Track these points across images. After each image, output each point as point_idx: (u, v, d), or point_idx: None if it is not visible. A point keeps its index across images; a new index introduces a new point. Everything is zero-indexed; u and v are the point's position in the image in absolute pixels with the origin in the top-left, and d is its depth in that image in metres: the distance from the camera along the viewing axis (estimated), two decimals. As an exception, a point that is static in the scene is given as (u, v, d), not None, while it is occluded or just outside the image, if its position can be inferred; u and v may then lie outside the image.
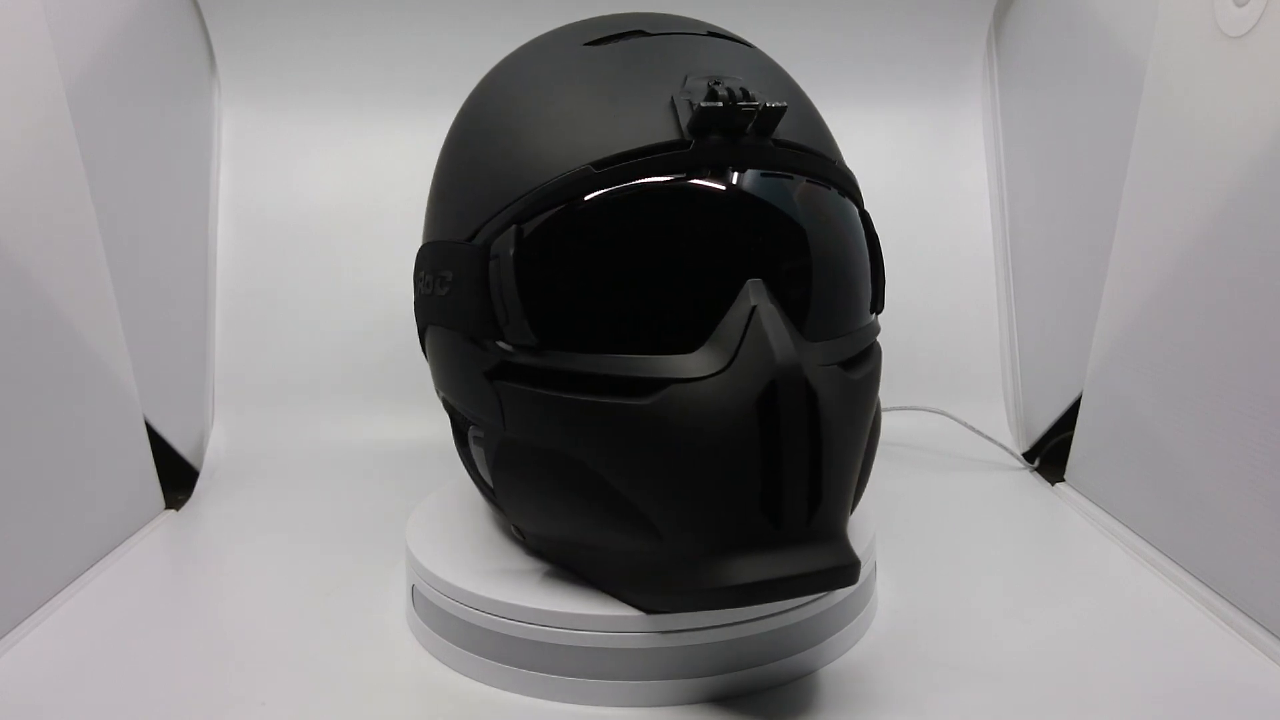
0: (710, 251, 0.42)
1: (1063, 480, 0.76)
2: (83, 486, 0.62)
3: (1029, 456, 0.83)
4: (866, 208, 0.49)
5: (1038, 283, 0.87)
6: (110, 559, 0.63)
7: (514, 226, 0.42)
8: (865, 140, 0.93)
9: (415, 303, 0.51)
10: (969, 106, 0.96)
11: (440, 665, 0.48)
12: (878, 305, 0.49)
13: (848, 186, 0.47)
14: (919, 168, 0.96)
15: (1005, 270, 0.93)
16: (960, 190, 0.95)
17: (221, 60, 0.92)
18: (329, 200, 0.92)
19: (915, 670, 0.47)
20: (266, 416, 0.87)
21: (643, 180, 0.41)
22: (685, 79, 0.43)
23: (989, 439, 0.82)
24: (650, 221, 0.42)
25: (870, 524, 0.54)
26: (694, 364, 0.40)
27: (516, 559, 0.50)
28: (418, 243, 0.52)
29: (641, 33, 0.46)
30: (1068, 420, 0.78)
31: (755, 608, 0.44)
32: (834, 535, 0.41)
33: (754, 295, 0.41)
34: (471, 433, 0.49)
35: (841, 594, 0.48)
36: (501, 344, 0.44)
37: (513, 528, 0.50)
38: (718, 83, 0.42)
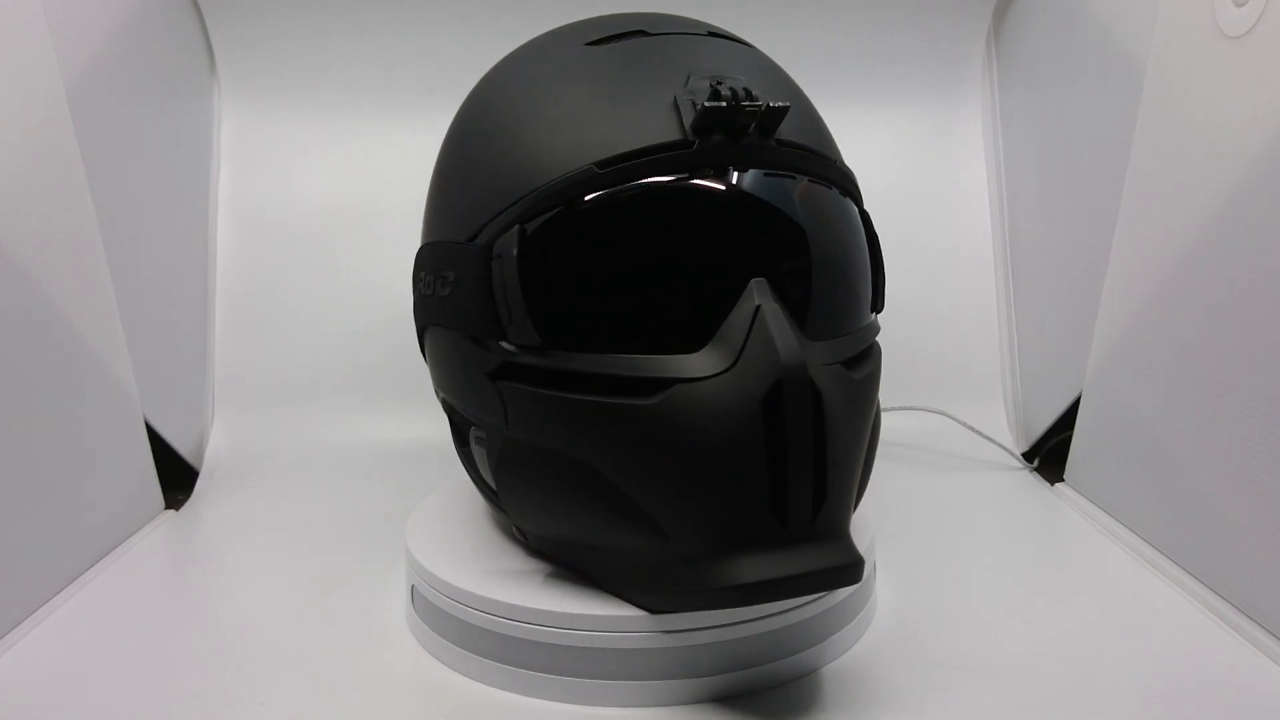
0: (714, 251, 0.42)
1: (1062, 480, 0.76)
2: (83, 486, 0.62)
3: (1029, 456, 0.83)
4: (866, 207, 0.49)
5: (1038, 283, 0.87)
6: (110, 559, 0.63)
7: (517, 226, 0.42)
8: (865, 140, 0.93)
9: (415, 303, 0.51)
10: (969, 106, 0.96)
11: (440, 665, 0.48)
12: (878, 305, 0.49)
13: (848, 186, 0.47)
14: (919, 168, 0.96)
15: (1005, 270, 0.93)
16: (960, 190, 0.95)
17: (221, 60, 0.92)
18: (329, 200, 0.92)
19: (915, 670, 0.47)
20: (266, 416, 0.87)
21: (647, 180, 0.41)
22: (688, 79, 0.43)
23: (989, 439, 0.82)
24: (654, 221, 0.42)
25: (870, 524, 0.54)
26: (699, 364, 0.40)
27: (517, 559, 0.50)
28: (417, 243, 0.52)
29: (642, 33, 0.46)
30: (1067, 420, 0.78)
31: (757, 607, 0.44)
32: (838, 534, 0.41)
33: (758, 295, 0.41)
34: (473, 433, 0.49)
35: (842, 594, 0.48)
36: (504, 344, 0.43)
37: (514, 528, 0.50)
38: (720, 83, 0.42)
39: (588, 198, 0.41)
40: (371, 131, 0.93)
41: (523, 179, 0.43)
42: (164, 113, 0.83)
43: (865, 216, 0.48)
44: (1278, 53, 0.52)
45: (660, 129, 0.42)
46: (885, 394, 0.50)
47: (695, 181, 0.42)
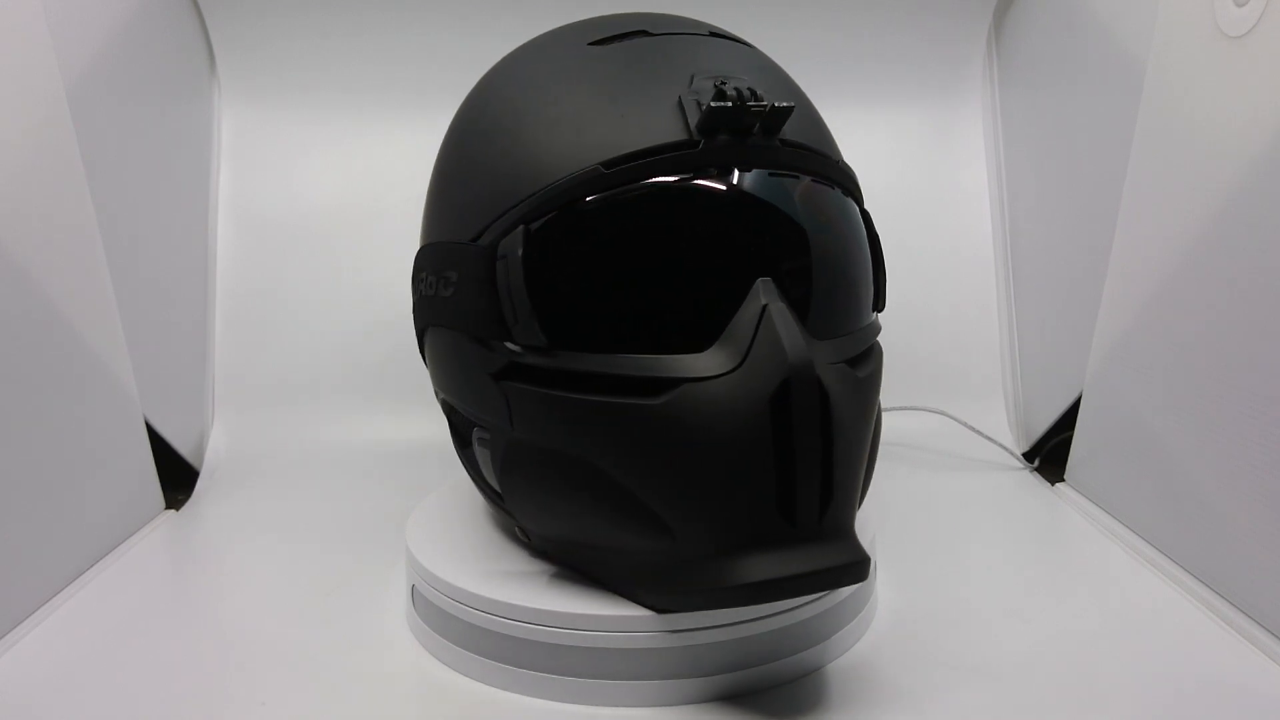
0: (720, 251, 0.42)
1: (1063, 480, 0.76)
2: (83, 486, 0.62)
3: (1029, 456, 0.83)
4: (866, 207, 0.49)
5: (1038, 283, 0.87)
6: (110, 559, 0.63)
7: (522, 226, 0.42)
8: (865, 140, 0.93)
9: (415, 304, 0.51)
10: (969, 106, 0.96)
11: (440, 665, 0.48)
12: (879, 304, 0.49)
13: (850, 186, 0.48)
14: (919, 168, 0.96)
15: (1005, 270, 0.93)
16: (960, 190, 0.95)
17: (221, 60, 0.92)
18: (329, 200, 0.92)
19: (915, 670, 0.47)
20: (266, 416, 0.87)
21: (653, 180, 0.41)
22: (691, 79, 0.43)
23: (989, 439, 0.82)
24: (661, 221, 0.42)
25: (870, 524, 0.54)
26: (705, 363, 0.40)
27: (518, 559, 0.50)
28: (417, 243, 0.52)
29: (644, 33, 0.47)
30: (1068, 420, 0.78)
31: (760, 607, 0.44)
32: (844, 533, 0.42)
33: (764, 294, 0.41)
34: (476, 434, 0.49)
35: (843, 593, 0.48)
36: (509, 344, 0.43)
37: (517, 529, 0.50)
38: (724, 83, 0.42)
39: (594, 198, 0.41)
40: (371, 131, 0.93)
41: (527, 179, 0.43)
42: (164, 113, 0.83)
43: (866, 216, 0.48)
44: (1278, 53, 0.52)
45: (665, 129, 0.42)
46: (885, 394, 0.50)
47: (702, 181, 0.42)
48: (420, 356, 0.54)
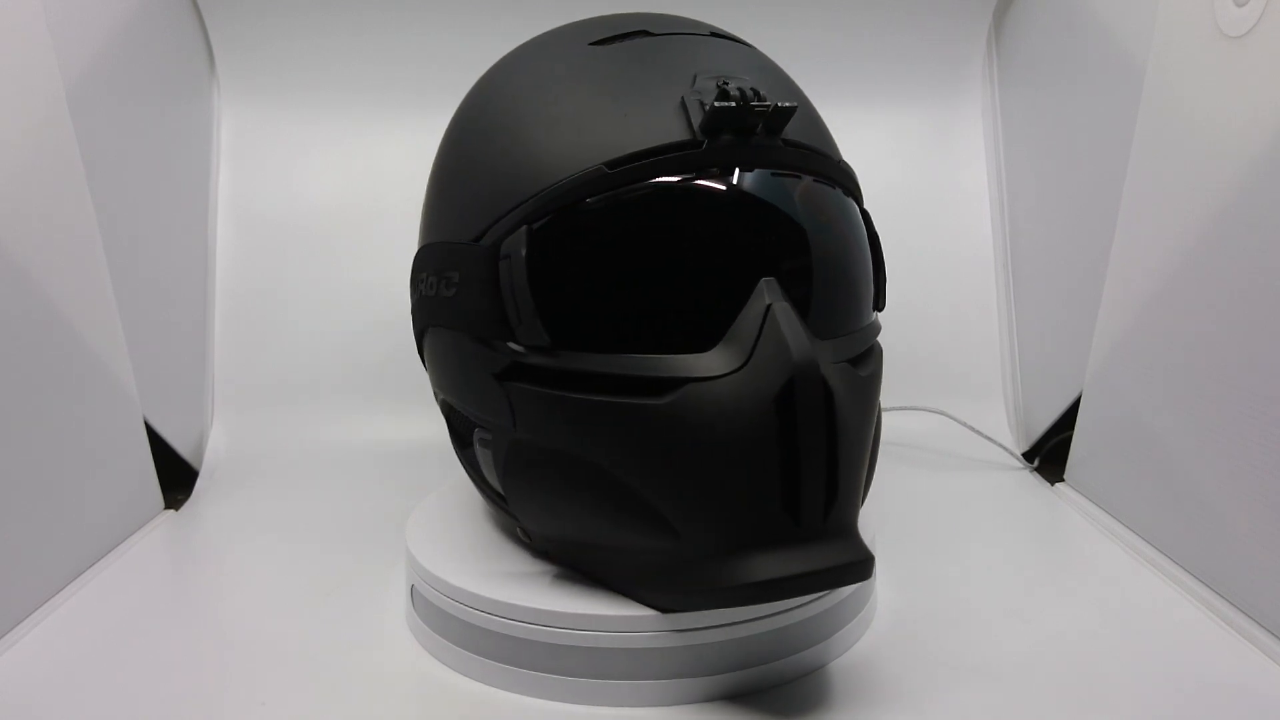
0: (725, 250, 0.42)
1: (1062, 480, 0.76)
2: (83, 486, 0.62)
3: (1029, 456, 0.83)
4: (866, 207, 0.49)
5: (1038, 283, 0.87)
6: (110, 559, 0.63)
7: (525, 226, 0.42)
8: (865, 140, 0.93)
9: (414, 304, 0.51)
10: (969, 106, 0.96)
11: (440, 665, 0.48)
12: (879, 303, 0.49)
13: (850, 185, 0.48)
14: (919, 168, 0.96)
15: (1005, 270, 0.93)
16: (960, 190, 0.95)
17: (221, 60, 0.92)
18: (329, 200, 0.92)
19: (915, 670, 0.47)
20: (266, 416, 0.87)
21: (657, 180, 0.41)
22: (694, 79, 0.43)
23: (989, 439, 0.82)
24: (665, 221, 0.42)
25: (870, 524, 0.54)
26: (710, 363, 0.40)
27: (518, 559, 0.50)
28: (417, 243, 0.52)
29: (645, 33, 0.47)
30: (1067, 420, 0.78)
31: (762, 606, 0.44)
32: (848, 531, 0.42)
33: (768, 294, 0.41)
34: (477, 435, 0.49)
35: (843, 592, 0.48)
36: (512, 345, 0.43)
37: (518, 529, 0.50)
38: (727, 83, 0.42)
39: (597, 198, 0.41)
40: (371, 131, 0.93)
41: (530, 179, 0.43)
42: (164, 113, 0.83)
43: (866, 215, 0.48)
44: (1278, 53, 0.52)
45: (668, 129, 0.42)
46: (885, 394, 0.50)
47: (706, 181, 0.42)
48: (419, 357, 0.54)
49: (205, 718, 0.44)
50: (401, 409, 0.86)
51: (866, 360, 0.46)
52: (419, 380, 0.56)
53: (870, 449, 0.46)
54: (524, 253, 0.42)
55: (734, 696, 0.45)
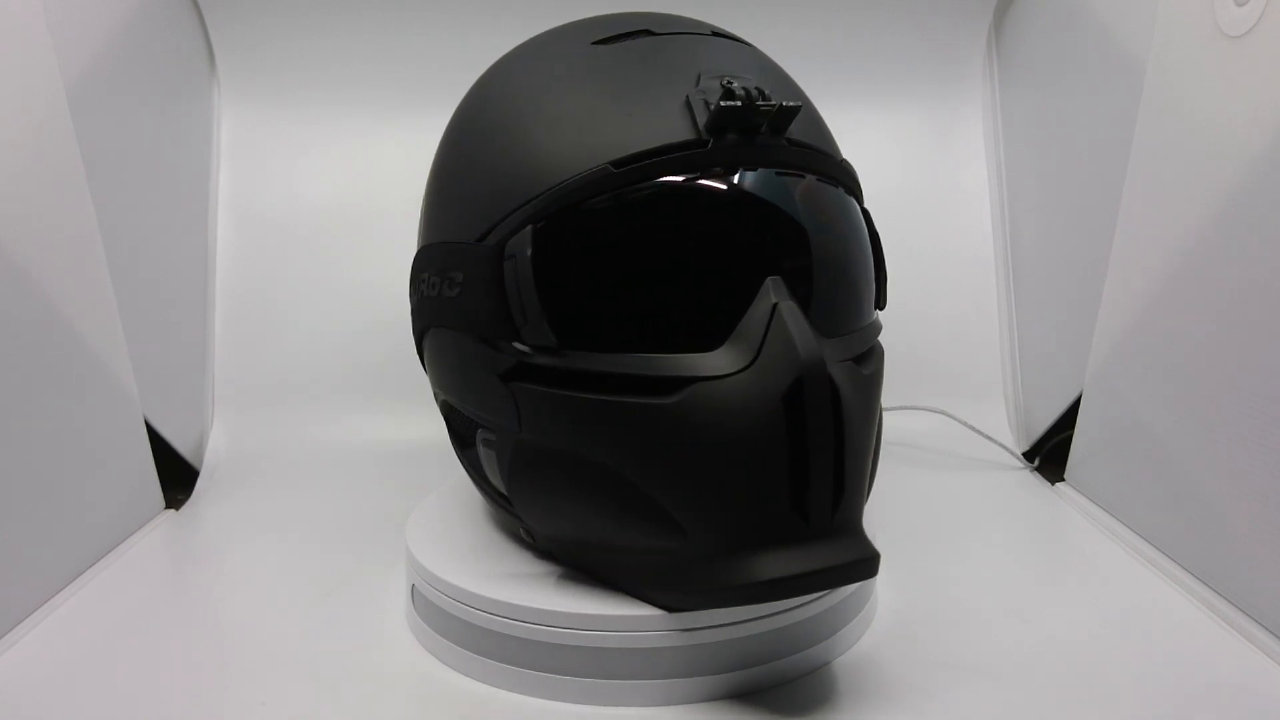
0: (731, 249, 0.42)
1: (1063, 480, 0.76)
2: (83, 486, 0.62)
3: (1029, 456, 0.83)
4: (866, 206, 0.49)
5: (1038, 283, 0.87)
6: (110, 559, 0.63)
7: (531, 226, 0.42)
8: (865, 140, 0.93)
9: (415, 305, 0.51)
10: (969, 106, 0.96)
11: (440, 665, 0.48)
12: (880, 302, 0.49)
13: (852, 185, 0.48)
14: (919, 168, 0.96)
15: (1005, 270, 0.93)
16: (960, 190, 0.95)
17: (221, 60, 0.92)
18: (329, 200, 0.92)
19: (915, 670, 0.47)
20: (266, 416, 0.87)
21: (662, 179, 0.41)
22: (698, 78, 0.43)
23: (989, 439, 0.82)
24: (671, 220, 0.42)
25: (871, 523, 0.54)
26: (717, 362, 0.40)
27: (519, 559, 0.50)
28: (417, 243, 0.52)
29: (648, 32, 0.47)
30: (1068, 420, 0.78)
31: (766, 605, 0.44)
32: (855, 529, 0.42)
33: (774, 293, 0.41)
34: (481, 436, 0.48)
35: (845, 590, 0.48)
36: (518, 345, 0.43)
37: (521, 530, 0.50)
38: (731, 82, 0.42)
39: (603, 197, 0.41)
40: (371, 131, 0.93)
41: (535, 179, 0.43)
42: (164, 113, 0.83)
43: (866, 215, 0.49)
44: (1278, 53, 0.52)
45: (674, 128, 0.42)
46: (886, 394, 0.50)
47: (712, 181, 0.42)
48: (419, 358, 0.54)
49: (205, 718, 0.44)
50: (401, 409, 0.86)
51: (869, 359, 0.46)
52: (419, 380, 0.56)
53: (873, 447, 0.46)
54: (529, 253, 0.41)
55: (736, 696, 0.45)
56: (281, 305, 0.91)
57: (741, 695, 0.45)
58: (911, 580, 0.57)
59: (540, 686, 0.45)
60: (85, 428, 0.63)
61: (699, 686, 0.44)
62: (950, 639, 0.50)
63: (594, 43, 0.46)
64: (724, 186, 0.42)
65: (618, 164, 0.41)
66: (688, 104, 0.42)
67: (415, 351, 0.54)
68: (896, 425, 0.85)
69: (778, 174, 0.43)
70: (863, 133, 0.93)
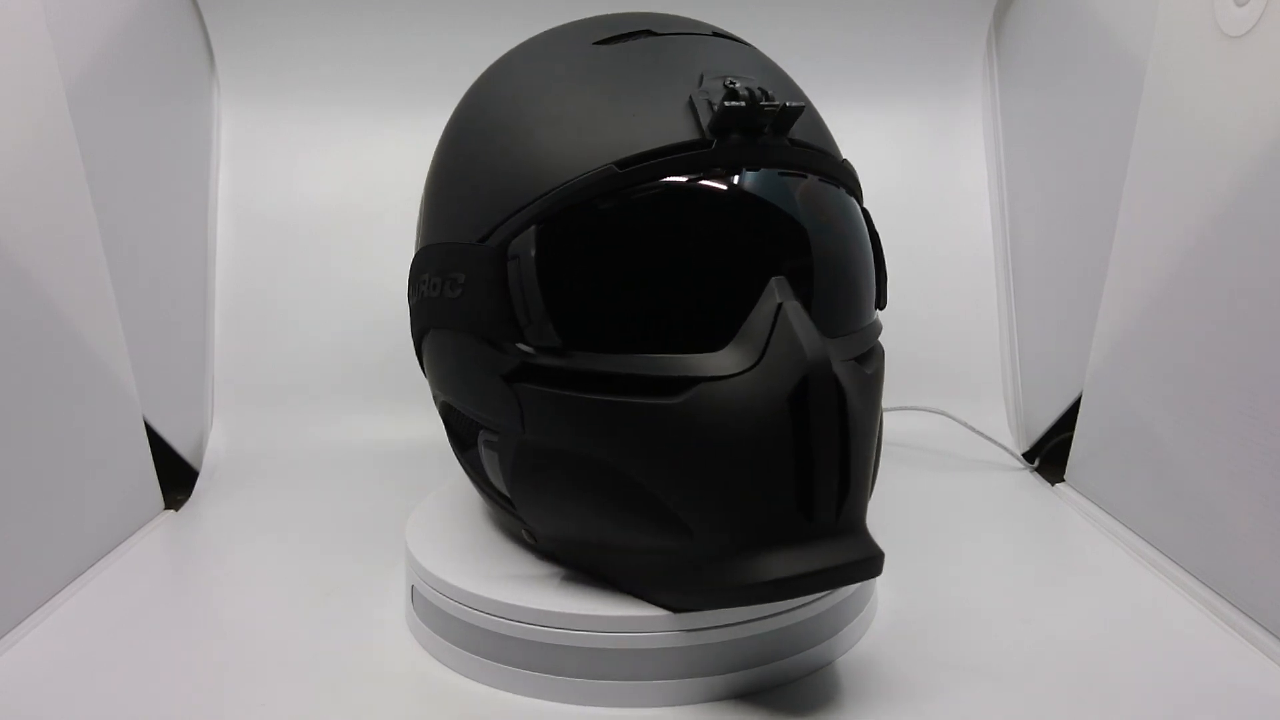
0: (735, 249, 0.43)
1: (1063, 480, 0.76)
2: (82, 486, 0.62)
3: (1029, 457, 0.83)
4: (866, 206, 0.49)
5: (1038, 283, 0.87)
6: (110, 559, 0.63)
7: (534, 226, 0.42)
8: (865, 140, 0.93)
9: (415, 306, 0.50)
10: (969, 106, 0.96)
11: (440, 666, 0.48)
12: (881, 302, 0.49)
13: (853, 185, 0.48)
14: (919, 168, 0.96)
15: (1005, 270, 0.93)
16: (960, 190, 0.95)
17: (221, 60, 0.92)
18: (328, 200, 0.92)
19: (915, 670, 0.47)
20: (266, 416, 0.87)
21: (668, 179, 0.41)
22: (701, 79, 0.43)
23: (989, 439, 0.82)
24: (676, 220, 0.42)
25: (871, 523, 0.54)
26: (722, 362, 0.41)
27: (520, 560, 0.50)
28: (416, 243, 0.52)
29: (649, 32, 0.47)
30: (1068, 420, 0.78)
31: (769, 605, 0.44)
32: (859, 529, 0.42)
33: (779, 293, 0.41)
34: (483, 437, 0.48)
35: (845, 591, 0.48)
36: (522, 346, 0.43)
37: (523, 531, 0.50)
38: (734, 83, 0.42)
39: (608, 197, 0.41)
40: (371, 131, 0.93)
41: (538, 179, 0.42)
42: (164, 113, 0.83)
43: (866, 214, 0.49)
44: (1278, 53, 0.52)
45: (677, 129, 0.42)
46: (886, 394, 0.50)
47: (717, 181, 0.42)
48: (417, 359, 0.54)
49: (205, 718, 0.44)
50: (401, 409, 0.86)
51: (870, 359, 0.46)
52: (419, 380, 0.56)
53: (876, 447, 0.46)
54: (534, 253, 0.41)
55: (738, 696, 0.45)
56: (281, 305, 0.91)
57: (743, 695, 0.45)
58: (911, 580, 0.57)
59: (542, 687, 0.45)
60: (85, 428, 0.63)
61: (702, 687, 0.44)
62: (950, 639, 0.50)
63: (595, 43, 0.46)
64: (729, 187, 0.42)
65: (622, 164, 0.41)
66: (691, 104, 0.42)
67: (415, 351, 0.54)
68: (896, 425, 0.85)
69: (781, 174, 0.43)
70: (863, 133, 0.93)
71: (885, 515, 0.67)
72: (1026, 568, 0.61)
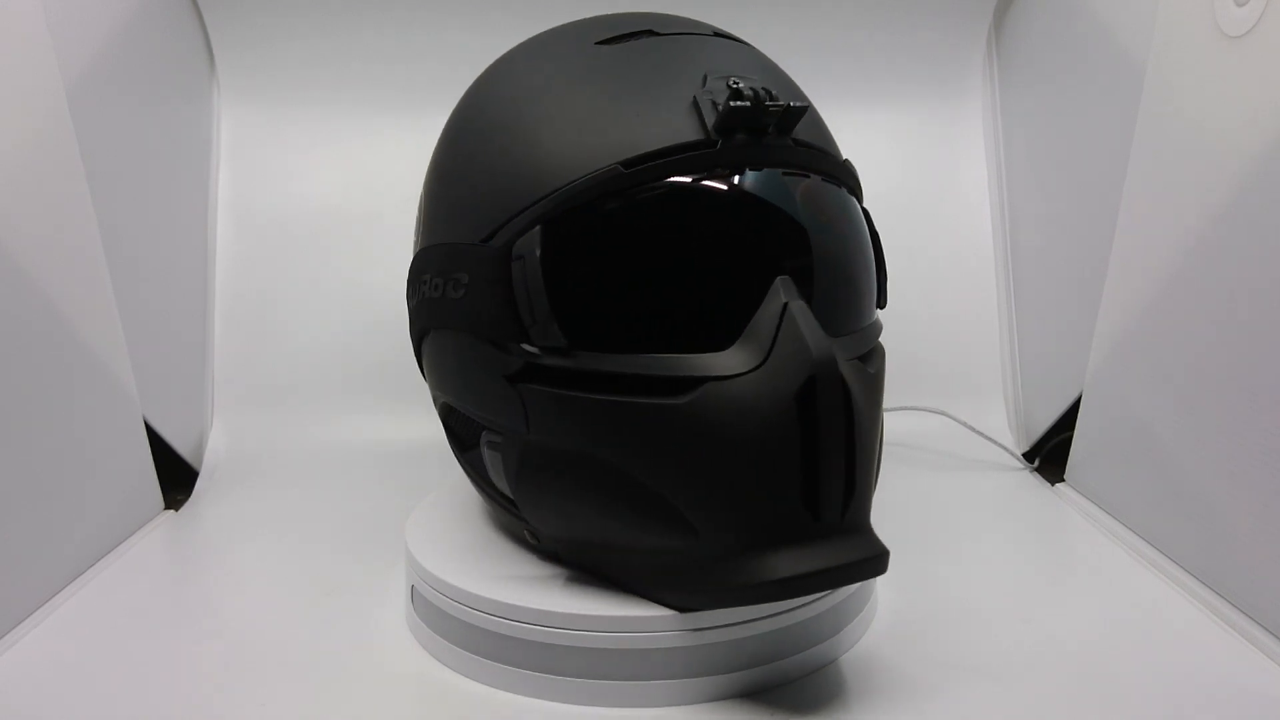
0: (741, 249, 0.43)
1: (1063, 480, 0.76)
2: (82, 486, 0.62)
3: (1029, 457, 0.83)
4: (866, 206, 0.49)
5: (1038, 283, 0.87)
6: (110, 559, 0.63)
7: (539, 227, 0.42)
8: (865, 140, 0.93)
9: (415, 307, 0.50)
10: (970, 106, 0.96)
11: (440, 665, 0.48)
12: (881, 301, 0.49)
13: (854, 184, 0.48)
14: (919, 168, 0.96)
15: (1005, 270, 0.93)
16: (960, 190, 0.95)
17: (221, 60, 0.92)
18: (328, 200, 0.92)
19: (915, 670, 0.47)
20: (266, 416, 0.87)
21: (673, 179, 0.42)
22: (704, 79, 0.43)
23: (989, 439, 0.82)
24: (681, 220, 0.42)
25: (872, 523, 0.54)
26: (728, 361, 0.41)
27: (520, 559, 0.50)
28: (415, 244, 0.52)
29: (651, 32, 0.47)
30: (1068, 420, 0.78)
31: (772, 604, 0.44)
32: (864, 527, 0.42)
33: (784, 292, 0.41)
34: (485, 438, 0.48)
35: (846, 590, 0.48)
36: (526, 346, 0.43)
37: (526, 532, 0.49)
38: (738, 83, 0.42)
39: (613, 197, 0.41)
40: (371, 131, 0.93)
41: (543, 179, 0.42)
42: (164, 113, 0.83)
43: (866, 214, 0.49)
44: (1278, 53, 0.52)
45: (682, 129, 0.42)
46: (886, 394, 0.50)
47: (722, 181, 0.42)
48: (416, 360, 0.54)
49: (205, 718, 0.44)
50: (401, 409, 0.86)
51: (872, 358, 0.46)
52: (419, 380, 0.56)
53: (878, 447, 0.46)
54: (539, 253, 0.41)
55: (741, 695, 0.45)
56: (281, 305, 0.91)
57: (746, 695, 0.45)
58: (911, 580, 0.57)
59: (544, 688, 0.45)
60: (85, 428, 0.63)
61: (705, 686, 0.44)
62: (950, 639, 0.50)
63: (597, 43, 0.46)
64: (734, 187, 0.42)
65: (627, 164, 0.41)
66: (695, 104, 0.42)
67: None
68: (896, 425, 0.85)
69: (785, 174, 0.43)
70: (863, 133, 0.93)
71: (885, 515, 0.67)
72: (1026, 568, 0.61)
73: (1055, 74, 0.83)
